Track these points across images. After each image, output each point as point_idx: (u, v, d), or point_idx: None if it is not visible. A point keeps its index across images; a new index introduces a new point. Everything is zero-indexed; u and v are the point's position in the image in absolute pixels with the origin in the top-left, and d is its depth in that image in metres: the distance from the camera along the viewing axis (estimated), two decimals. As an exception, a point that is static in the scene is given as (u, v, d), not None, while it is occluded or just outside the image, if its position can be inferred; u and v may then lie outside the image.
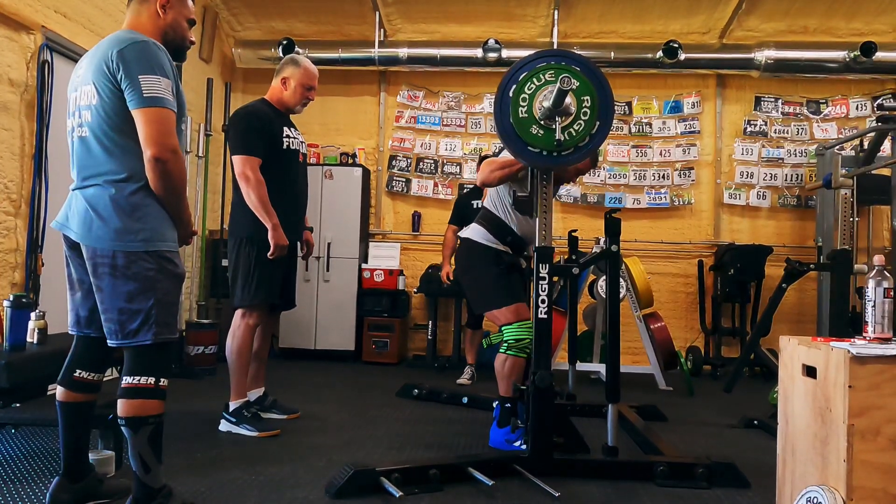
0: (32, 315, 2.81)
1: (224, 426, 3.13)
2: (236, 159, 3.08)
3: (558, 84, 2.33)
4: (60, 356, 2.76)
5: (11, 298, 2.74)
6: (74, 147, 2.00)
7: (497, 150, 3.14)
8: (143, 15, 2.04)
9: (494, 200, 3.08)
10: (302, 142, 3.34)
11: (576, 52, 2.59)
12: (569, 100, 2.46)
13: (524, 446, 2.86)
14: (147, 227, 1.90)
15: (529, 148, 2.53)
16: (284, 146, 3.18)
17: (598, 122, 2.52)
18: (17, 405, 2.58)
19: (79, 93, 1.98)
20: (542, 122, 2.50)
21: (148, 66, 1.87)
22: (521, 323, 2.90)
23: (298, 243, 3.36)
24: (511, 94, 2.52)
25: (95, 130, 1.93)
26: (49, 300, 3.66)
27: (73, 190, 2.00)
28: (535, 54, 2.57)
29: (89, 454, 2.37)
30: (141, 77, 1.86)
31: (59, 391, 2.06)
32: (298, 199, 3.30)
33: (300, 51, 5.66)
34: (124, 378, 1.91)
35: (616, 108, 5.85)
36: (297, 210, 3.28)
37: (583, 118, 2.50)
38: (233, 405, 3.14)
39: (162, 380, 1.92)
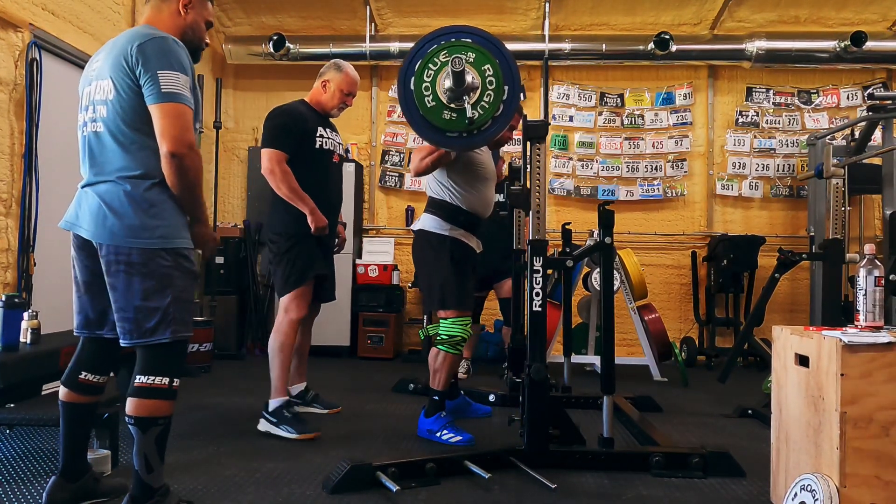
0: (25, 315, 2.80)
1: (263, 426, 3.06)
2: (263, 153, 3.11)
3: (449, 66, 2.30)
4: (54, 356, 2.77)
5: (4, 298, 2.72)
6: (87, 142, 1.96)
7: None
8: (164, 12, 2.02)
9: (433, 185, 3.08)
10: (339, 143, 3.35)
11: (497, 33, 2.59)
12: (471, 75, 2.41)
13: (452, 438, 2.91)
14: (164, 223, 1.88)
15: (448, 134, 2.50)
16: (317, 145, 3.19)
17: (506, 87, 2.47)
18: (11, 405, 2.57)
19: (93, 87, 1.94)
20: (452, 105, 2.46)
21: (167, 62, 1.85)
22: (456, 319, 2.94)
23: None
24: (412, 87, 2.48)
25: (111, 126, 1.90)
26: (41, 300, 3.65)
27: (83, 187, 1.95)
28: (422, 40, 2.51)
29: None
30: (160, 72, 1.84)
31: (62, 391, 2.04)
32: (331, 197, 3.29)
33: (291, 46, 5.64)
34: (137, 377, 1.87)
35: (608, 100, 5.90)
36: (328, 209, 3.26)
37: (490, 88, 2.46)
38: (273, 404, 3.07)
39: (175, 380, 1.90)
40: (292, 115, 3.18)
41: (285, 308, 3.15)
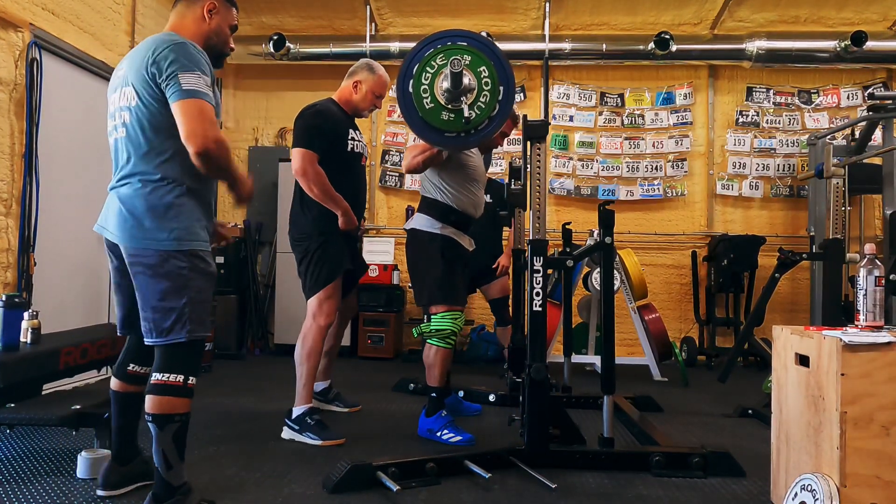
0: (25, 315, 2.79)
1: (287, 434, 3.03)
2: (294, 152, 3.05)
3: (449, 67, 2.35)
4: (54, 356, 2.77)
5: (4, 298, 2.72)
6: (113, 147, 2.03)
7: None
8: (188, 18, 2.05)
9: (427, 185, 3.13)
10: (364, 145, 3.34)
11: (484, 37, 2.63)
12: (467, 77, 2.48)
13: (452, 437, 2.92)
14: (179, 226, 1.92)
15: (446, 134, 2.57)
16: (349, 149, 3.18)
17: (501, 88, 2.53)
18: (12, 405, 2.57)
19: (118, 94, 2.00)
20: (449, 106, 2.52)
21: (186, 65, 1.88)
22: (446, 314, 2.97)
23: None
24: (411, 89, 2.53)
25: (132, 131, 1.95)
26: (41, 300, 3.65)
27: (110, 190, 2.03)
28: (420, 44, 2.57)
29: (84, 453, 2.41)
30: (180, 74, 1.87)
31: (113, 381, 2.16)
32: (357, 200, 3.27)
33: (291, 46, 5.64)
34: (154, 374, 1.94)
35: (608, 99, 5.90)
36: (357, 210, 3.25)
37: (486, 89, 2.53)
38: (296, 411, 3.04)
39: (191, 378, 1.96)
40: (325, 117, 3.14)
41: (314, 313, 3.10)
